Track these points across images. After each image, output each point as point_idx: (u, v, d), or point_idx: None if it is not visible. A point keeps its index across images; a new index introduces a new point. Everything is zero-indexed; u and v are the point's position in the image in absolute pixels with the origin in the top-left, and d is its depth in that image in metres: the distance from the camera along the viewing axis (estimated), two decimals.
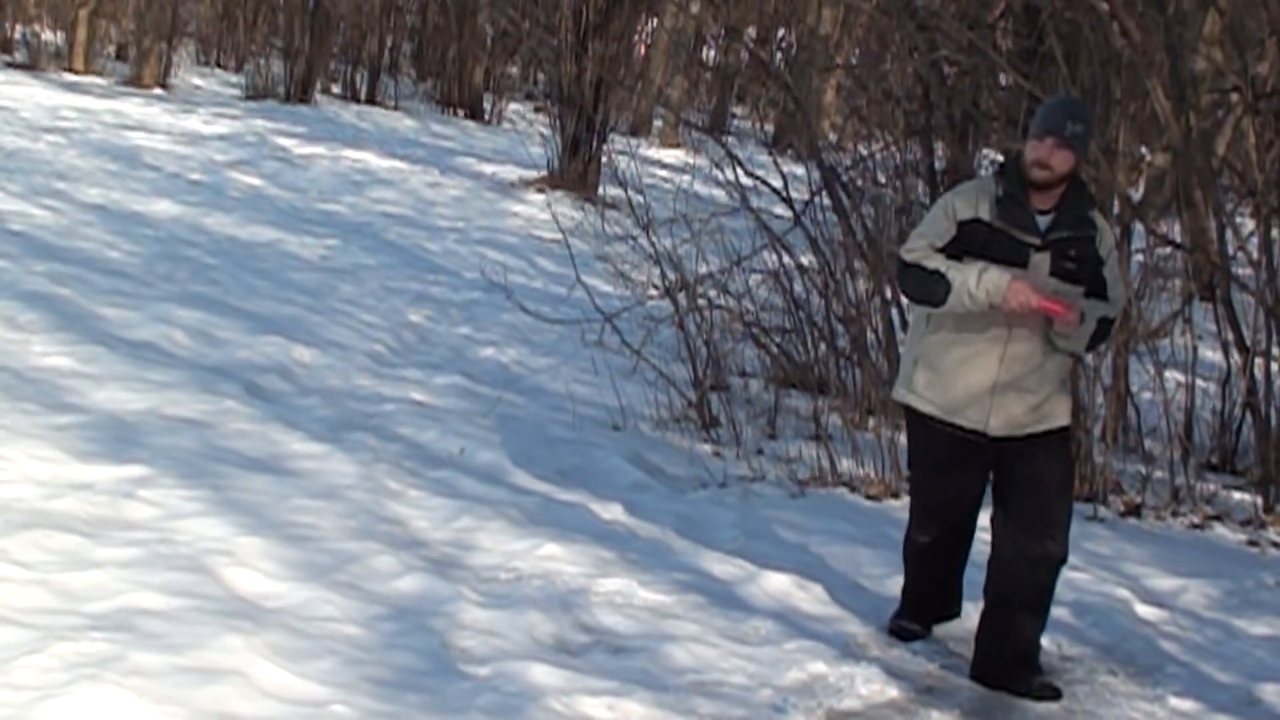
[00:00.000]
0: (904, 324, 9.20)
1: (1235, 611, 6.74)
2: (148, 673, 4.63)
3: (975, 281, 5.40)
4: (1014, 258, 5.44)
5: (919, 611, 6.06)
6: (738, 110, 27.73)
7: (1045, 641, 6.13)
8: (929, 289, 5.49)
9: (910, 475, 6.13)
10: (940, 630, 6.14)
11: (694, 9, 22.44)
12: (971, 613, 5.97)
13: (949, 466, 5.73)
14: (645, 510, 7.12)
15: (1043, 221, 5.50)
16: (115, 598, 5.20)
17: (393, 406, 8.35)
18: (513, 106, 25.45)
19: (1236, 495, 8.50)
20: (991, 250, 5.45)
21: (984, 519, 5.87)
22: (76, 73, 21.98)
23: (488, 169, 18.51)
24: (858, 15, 15.97)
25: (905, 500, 7.86)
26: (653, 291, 9.72)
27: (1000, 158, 10.31)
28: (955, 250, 5.50)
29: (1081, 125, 5.45)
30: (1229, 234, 9.04)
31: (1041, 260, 5.47)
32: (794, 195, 9.44)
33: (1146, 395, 9.10)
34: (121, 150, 15.91)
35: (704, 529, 6.96)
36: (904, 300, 9.44)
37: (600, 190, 16.59)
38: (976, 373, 5.55)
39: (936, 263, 5.48)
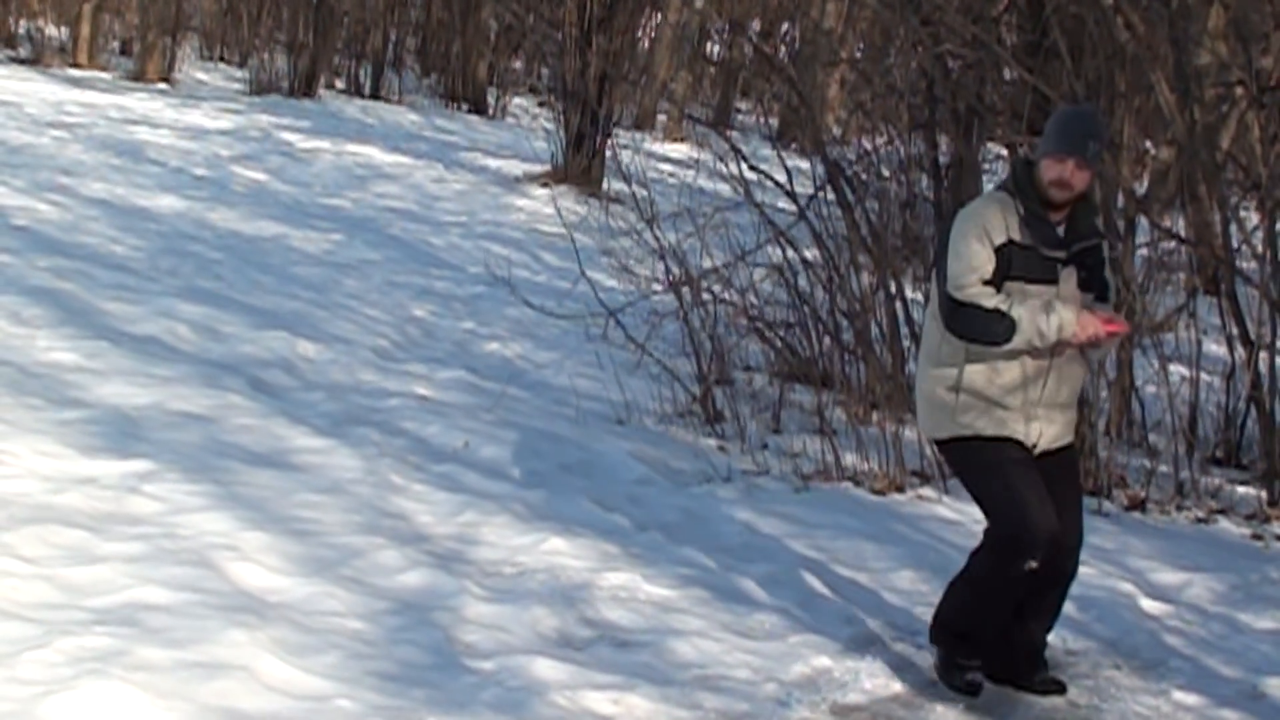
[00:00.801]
0: (908, 318, 9.22)
1: (1240, 606, 6.73)
2: (152, 667, 4.63)
3: (1046, 321, 5.24)
4: (1046, 275, 5.34)
5: (990, 658, 5.55)
6: (742, 105, 27.73)
7: (1050, 636, 6.13)
8: (991, 329, 5.27)
9: (989, 493, 5.42)
10: None
11: (698, 3, 22.44)
12: None
13: (1027, 462, 5.41)
14: (649, 505, 7.12)
15: (1060, 233, 5.41)
16: (120, 592, 5.20)
17: (397, 401, 8.35)
18: (517, 101, 25.45)
19: (1241, 489, 8.50)
20: (1026, 270, 5.32)
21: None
22: (81, 68, 21.99)
23: (492, 164, 18.51)
24: (862, 9, 15.96)
25: (910, 495, 7.90)
26: (657, 286, 9.71)
27: (1004, 152, 10.33)
28: (993, 276, 5.34)
29: (1100, 141, 5.37)
30: (1233, 228, 9.02)
31: (1069, 274, 5.40)
32: (798, 189, 9.43)
33: (1151, 389, 9.09)
34: (126, 145, 15.92)
35: (708, 523, 6.96)
36: (909, 296, 9.46)
37: (604, 185, 16.57)
38: (1026, 396, 5.38)
39: (995, 301, 5.27)
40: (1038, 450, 5.44)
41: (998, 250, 5.30)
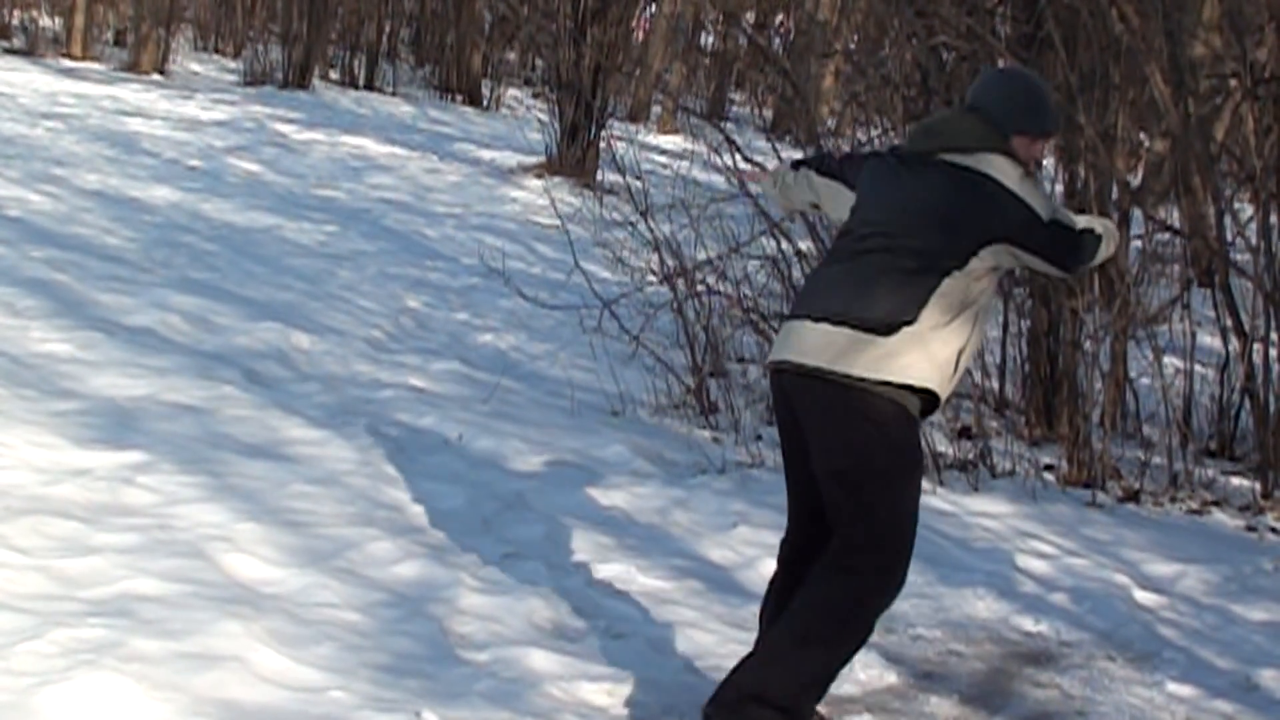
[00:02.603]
0: None
1: (1233, 597, 6.74)
2: (146, 659, 4.63)
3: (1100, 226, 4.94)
4: None
5: None
6: (736, 96, 27.72)
7: (1043, 627, 6.15)
8: (1104, 245, 4.94)
9: (903, 490, 4.70)
10: (939, 617, 6.14)
11: None
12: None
13: None
14: (644, 496, 7.13)
15: None
16: (114, 584, 5.20)
17: (391, 392, 8.35)
18: (511, 92, 25.43)
19: (1235, 481, 8.51)
20: None
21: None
22: (74, 58, 21.96)
23: (486, 155, 18.50)
24: (856, 1, 15.96)
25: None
26: (651, 277, 9.71)
27: None
28: None
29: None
30: (1228, 220, 9.03)
31: None
32: None
33: (1145, 381, 9.10)
34: (119, 136, 15.90)
35: (702, 515, 6.97)
36: None
37: (599, 176, 16.58)
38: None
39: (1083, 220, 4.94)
40: None
41: None
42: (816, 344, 4.61)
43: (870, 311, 4.59)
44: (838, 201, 5.04)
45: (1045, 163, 9.64)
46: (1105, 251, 4.95)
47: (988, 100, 4.86)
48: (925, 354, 4.59)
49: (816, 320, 4.65)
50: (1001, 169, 4.73)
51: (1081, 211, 8.36)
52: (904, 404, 4.60)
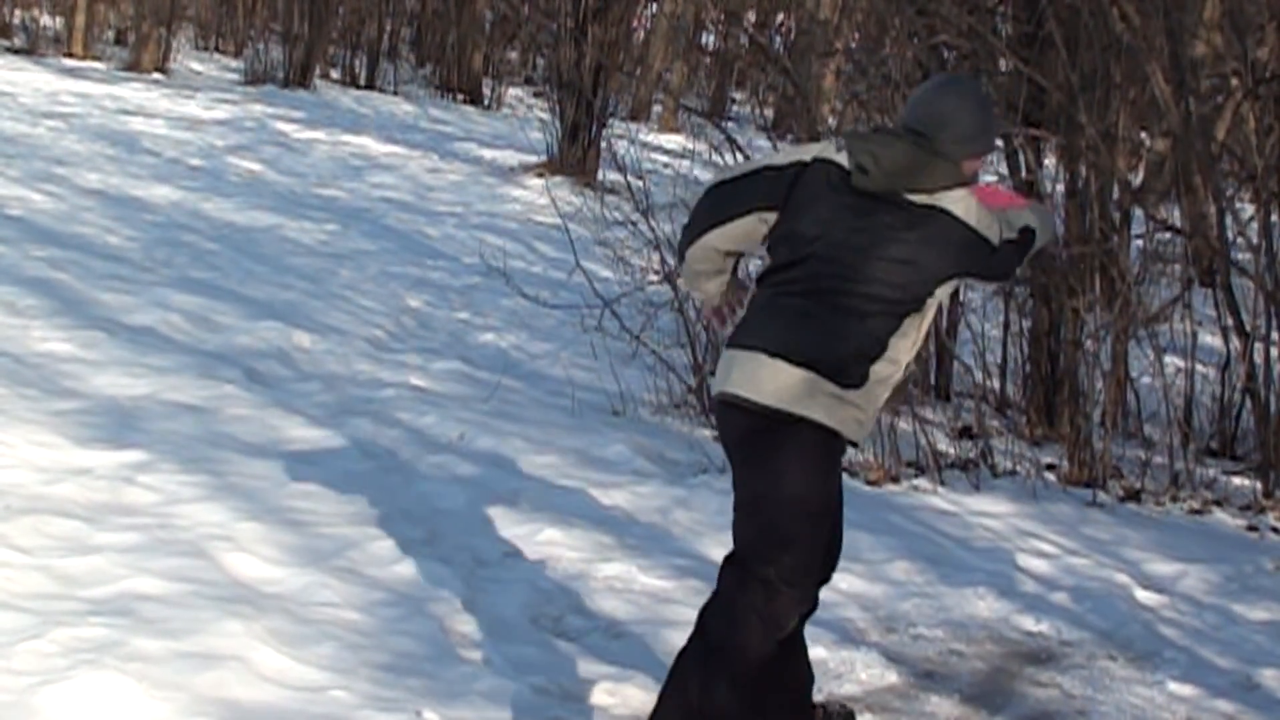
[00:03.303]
0: None
1: (1234, 597, 6.74)
2: (147, 658, 4.63)
3: None
4: None
5: None
6: (737, 95, 27.72)
7: (1044, 626, 6.15)
8: (1035, 243, 4.82)
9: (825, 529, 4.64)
10: (940, 617, 6.14)
11: None
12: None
13: None
14: (645, 495, 7.12)
15: None
16: (115, 583, 5.20)
17: (392, 392, 8.35)
18: (512, 92, 25.43)
19: (1236, 480, 8.50)
20: None
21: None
22: (75, 58, 21.96)
23: (487, 154, 18.50)
24: (857, 0, 15.95)
25: (905, 485, 7.90)
26: (652, 277, 9.70)
27: (1000, 143, 10.31)
28: None
29: None
30: (1229, 219, 9.03)
31: None
32: None
33: (1146, 380, 9.10)
34: (120, 135, 15.91)
35: (704, 514, 6.96)
36: None
37: (599, 175, 16.57)
38: None
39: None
40: None
41: None
42: (776, 384, 4.45)
43: (836, 358, 4.44)
44: (758, 232, 4.71)
45: (1046, 162, 9.67)
46: (1041, 241, 4.82)
47: (938, 125, 4.57)
48: (874, 405, 4.55)
49: (773, 355, 4.47)
50: (962, 203, 4.53)
51: (1082, 211, 8.39)
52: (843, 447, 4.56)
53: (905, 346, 4.56)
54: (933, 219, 4.51)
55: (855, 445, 4.61)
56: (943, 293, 4.61)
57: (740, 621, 4.44)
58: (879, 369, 4.50)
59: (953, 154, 4.56)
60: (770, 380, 4.45)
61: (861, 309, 4.47)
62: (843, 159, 4.58)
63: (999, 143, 10.38)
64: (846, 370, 4.45)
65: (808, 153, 4.67)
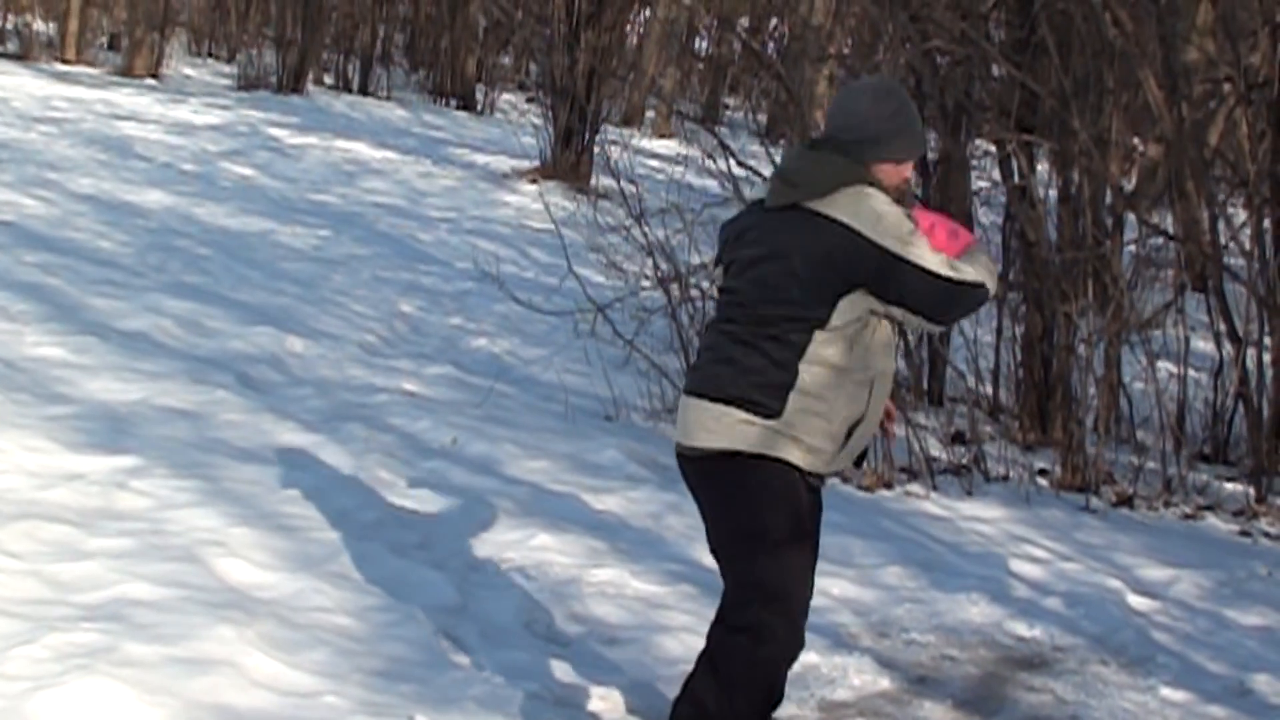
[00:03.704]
0: None
1: (1227, 602, 6.74)
2: (140, 663, 4.62)
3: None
4: None
5: None
6: (730, 100, 27.74)
7: (1037, 632, 6.15)
8: (980, 294, 4.47)
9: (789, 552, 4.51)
10: (933, 622, 6.14)
11: (687, 0, 22.43)
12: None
13: None
14: (637, 501, 7.12)
15: None
16: (107, 588, 5.19)
17: (385, 397, 8.34)
18: (505, 97, 25.44)
19: (1229, 486, 8.51)
20: None
21: None
22: (68, 63, 21.96)
23: (480, 159, 18.50)
24: (850, 5, 15.96)
25: (898, 491, 7.90)
26: (645, 282, 9.71)
27: (992, 149, 10.33)
28: None
29: None
30: (1221, 224, 9.04)
31: None
32: None
33: (1139, 386, 9.10)
34: (113, 140, 15.90)
35: (696, 519, 6.89)
36: None
37: (593, 181, 16.58)
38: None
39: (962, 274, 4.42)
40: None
41: None
42: (703, 425, 4.41)
43: (743, 388, 4.34)
44: None
45: (1039, 167, 9.68)
46: (984, 297, 4.45)
47: (845, 127, 4.43)
48: (817, 436, 4.36)
49: (698, 396, 4.43)
50: (851, 205, 4.31)
51: (1074, 217, 8.40)
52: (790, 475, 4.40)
53: (825, 377, 4.33)
54: (819, 223, 4.31)
55: (820, 477, 4.49)
56: (849, 309, 4.32)
57: (731, 681, 4.40)
58: (798, 401, 4.32)
59: (856, 155, 4.39)
60: (697, 422, 4.43)
61: (760, 334, 4.35)
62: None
63: (991, 148, 10.42)
64: (758, 401, 4.33)
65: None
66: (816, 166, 4.40)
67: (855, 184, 4.34)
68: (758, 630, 4.40)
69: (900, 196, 4.43)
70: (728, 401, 4.36)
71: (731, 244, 4.56)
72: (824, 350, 4.32)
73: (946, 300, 4.36)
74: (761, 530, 4.40)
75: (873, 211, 4.30)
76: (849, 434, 4.41)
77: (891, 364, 4.52)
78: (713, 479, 4.48)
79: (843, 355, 4.35)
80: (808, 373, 4.32)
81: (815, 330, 4.31)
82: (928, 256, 4.30)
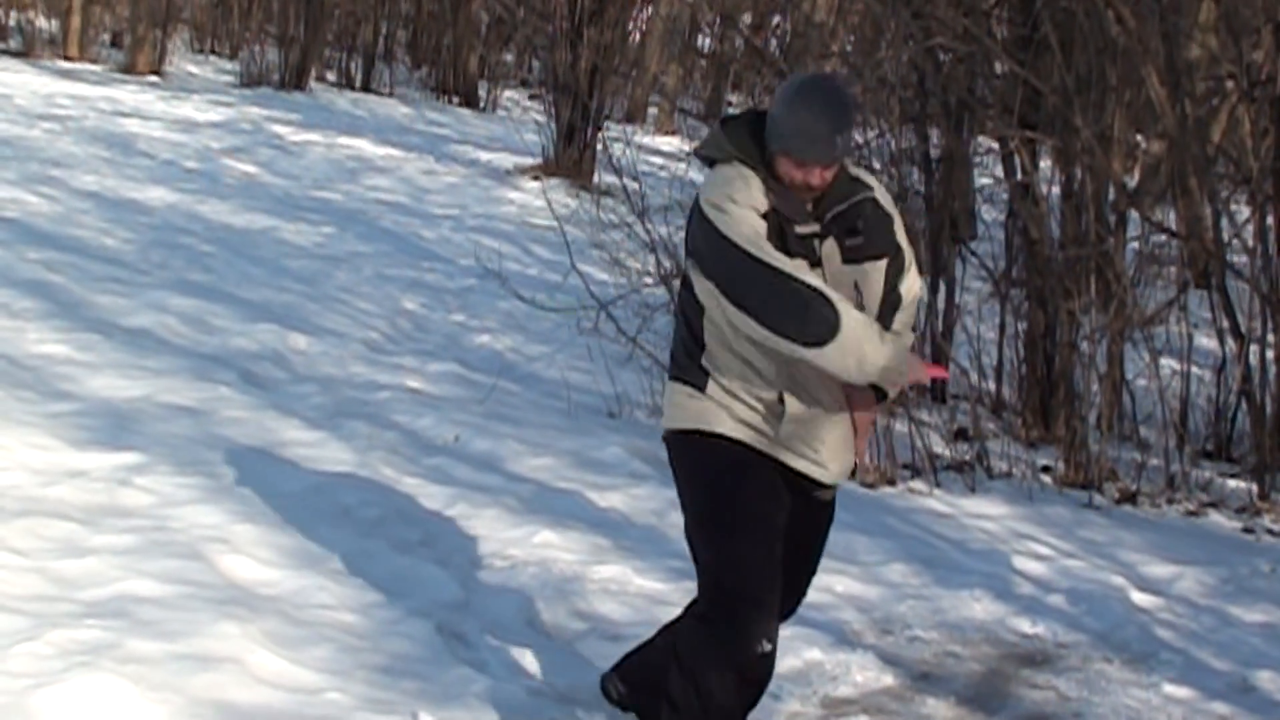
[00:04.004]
0: None
1: (1230, 598, 6.74)
2: (143, 660, 4.63)
3: (878, 344, 4.19)
4: (805, 253, 4.25)
5: None
6: (733, 98, 27.71)
7: (1040, 628, 6.15)
8: (811, 313, 4.12)
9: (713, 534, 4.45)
10: (936, 619, 6.15)
11: None
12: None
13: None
14: (641, 497, 7.12)
15: (806, 205, 4.34)
16: (111, 585, 5.20)
17: (388, 394, 8.34)
18: (508, 94, 25.42)
19: (1232, 482, 8.51)
20: (792, 250, 4.23)
21: None
22: (71, 60, 21.95)
23: (483, 156, 18.49)
24: (853, 2, 15.97)
25: (901, 488, 7.91)
26: (648, 279, 9.71)
27: (995, 145, 10.33)
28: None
29: (848, 132, 4.28)
30: (1224, 221, 9.04)
31: (830, 250, 4.32)
32: None
33: (1142, 383, 9.10)
34: (116, 137, 15.90)
35: None
36: None
37: (595, 177, 16.58)
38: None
39: (806, 275, 4.17)
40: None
41: (764, 216, 4.24)
42: (666, 407, 4.50)
43: (682, 362, 4.39)
44: None
45: (1042, 165, 9.68)
46: (835, 353, 4.12)
47: (771, 107, 4.32)
48: (731, 396, 4.31)
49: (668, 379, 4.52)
50: (715, 179, 4.29)
51: (1077, 214, 8.36)
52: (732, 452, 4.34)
53: (722, 338, 4.27)
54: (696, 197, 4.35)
55: (821, 484, 4.40)
56: (701, 288, 4.27)
57: (690, 668, 4.33)
58: (710, 364, 4.32)
59: (767, 134, 4.28)
60: (665, 405, 4.51)
61: (683, 305, 4.42)
62: None
63: (994, 144, 10.42)
64: (687, 373, 4.38)
65: None
66: (710, 138, 4.41)
67: (729, 160, 4.32)
68: (700, 618, 4.38)
69: (806, 196, 4.27)
70: (673, 379, 4.44)
71: None
72: (716, 313, 4.29)
73: (752, 286, 4.15)
74: (697, 511, 4.42)
75: (727, 184, 4.25)
76: (782, 402, 4.26)
77: None
78: (671, 459, 4.52)
79: (731, 341, 4.30)
80: (709, 337, 4.32)
81: (707, 316, 4.32)
82: (740, 233, 4.17)
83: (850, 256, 4.32)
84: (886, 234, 4.42)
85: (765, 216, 4.21)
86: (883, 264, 4.39)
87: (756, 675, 4.30)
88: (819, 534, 4.60)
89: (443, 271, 12.06)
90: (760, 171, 4.26)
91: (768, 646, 4.26)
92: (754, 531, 4.30)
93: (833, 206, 4.31)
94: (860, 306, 4.25)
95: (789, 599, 4.52)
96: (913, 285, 4.49)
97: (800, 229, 4.25)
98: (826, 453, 4.35)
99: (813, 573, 4.69)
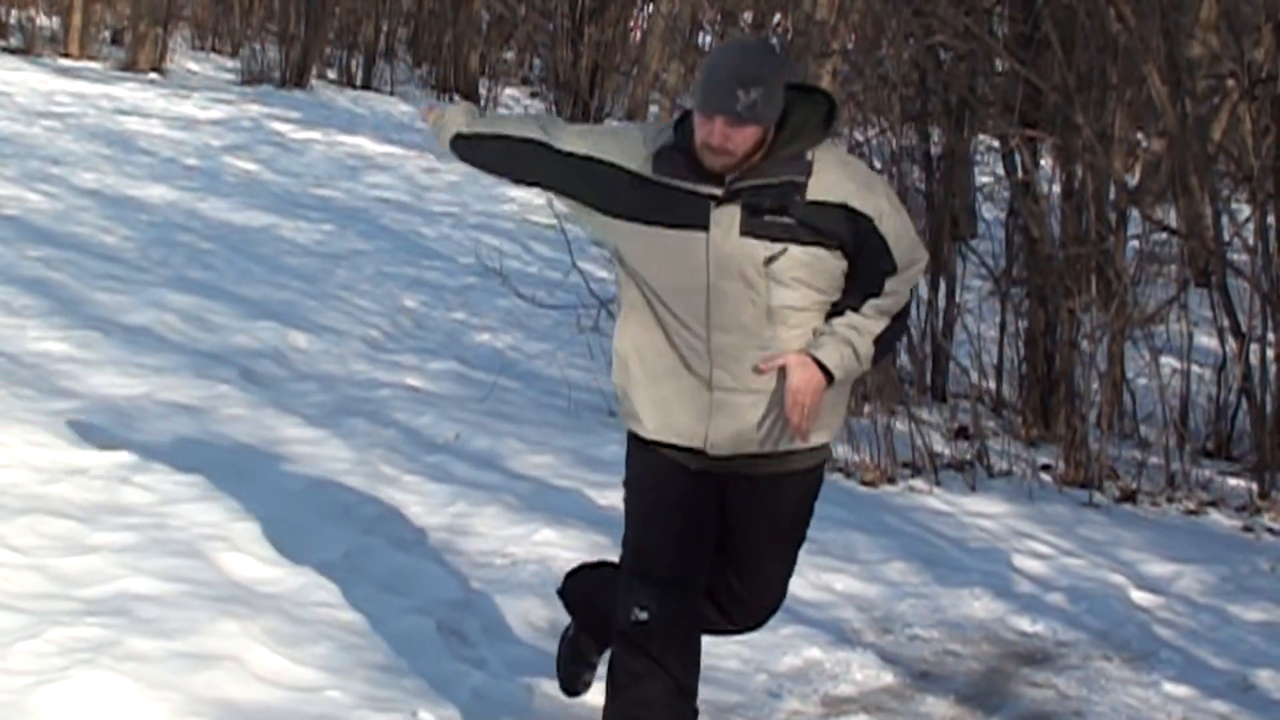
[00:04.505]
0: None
1: (1230, 597, 6.74)
2: (143, 658, 4.63)
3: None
4: (688, 218, 4.10)
5: None
6: None
7: (1040, 627, 6.15)
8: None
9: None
10: (936, 618, 6.15)
11: None
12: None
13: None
14: None
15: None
16: (111, 583, 5.19)
17: (388, 392, 8.34)
18: (508, 92, 25.39)
19: (1232, 481, 8.51)
20: (648, 211, 4.15)
21: None
22: (71, 57, 21.92)
23: None
24: (854, 1, 15.96)
25: (900, 486, 7.91)
26: None
27: (996, 144, 10.33)
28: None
29: (759, 89, 3.99)
30: (1225, 220, 9.04)
31: (727, 216, 4.09)
32: None
33: (1142, 381, 9.10)
34: (116, 135, 15.88)
35: None
36: None
37: None
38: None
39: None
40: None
41: (629, 168, 4.18)
42: None
43: None
44: None
45: (1043, 163, 9.67)
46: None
47: None
48: (623, 390, 4.33)
49: None
50: (640, 130, 4.30)
51: (1078, 212, 8.36)
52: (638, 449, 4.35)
53: (620, 322, 4.28)
54: None
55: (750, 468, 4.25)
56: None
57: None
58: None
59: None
60: None
61: None
62: None
63: (994, 143, 10.41)
64: None
65: None
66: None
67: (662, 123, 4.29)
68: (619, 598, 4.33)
69: (717, 162, 4.05)
70: None
71: None
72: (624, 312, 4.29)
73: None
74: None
75: (643, 136, 4.22)
76: (657, 386, 4.19)
77: (681, 306, 4.15)
78: None
79: (623, 288, 4.27)
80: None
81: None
82: (562, 139, 4.24)
83: (755, 231, 4.07)
84: (836, 224, 4.09)
85: (629, 169, 4.15)
86: (827, 253, 4.10)
87: (636, 642, 4.26)
88: (764, 516, 4.34)
89: (443, 269, 12.05)
90: (678, 135, 4.13)
91: (642, 615, 4.22)
92: (649, 513, 4.28)
93: (752, 178, 4.08)
94: (754, 289, 4.07)
95: (763, 591, 4.41)
96: (900, 288, 4.19)
97: (690, 186, 4.08)
98: (690, 423, 4.20)
99: (785, 560, 4.43)
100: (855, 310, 4.12)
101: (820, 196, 4.07)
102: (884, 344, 4.19)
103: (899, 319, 4.24)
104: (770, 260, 4.06)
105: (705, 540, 4.27)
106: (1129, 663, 5.92)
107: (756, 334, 4.11)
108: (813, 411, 4.10)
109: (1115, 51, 8.92)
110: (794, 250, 4.07)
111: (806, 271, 4.09)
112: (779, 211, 4.07)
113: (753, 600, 4.42)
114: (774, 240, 4.06)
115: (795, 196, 4.07)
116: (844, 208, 4.08)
